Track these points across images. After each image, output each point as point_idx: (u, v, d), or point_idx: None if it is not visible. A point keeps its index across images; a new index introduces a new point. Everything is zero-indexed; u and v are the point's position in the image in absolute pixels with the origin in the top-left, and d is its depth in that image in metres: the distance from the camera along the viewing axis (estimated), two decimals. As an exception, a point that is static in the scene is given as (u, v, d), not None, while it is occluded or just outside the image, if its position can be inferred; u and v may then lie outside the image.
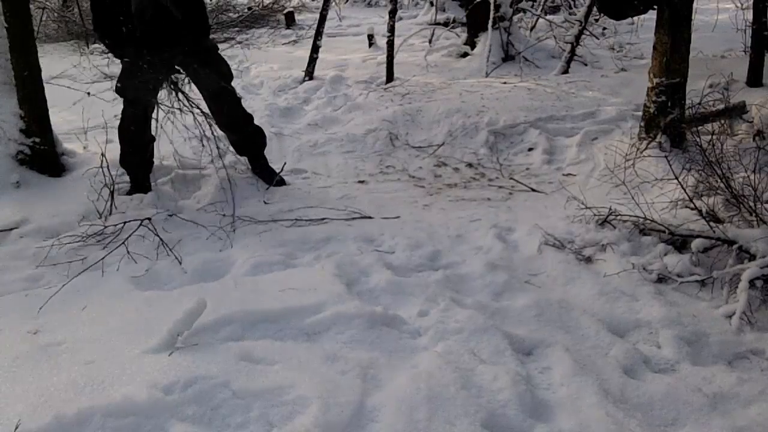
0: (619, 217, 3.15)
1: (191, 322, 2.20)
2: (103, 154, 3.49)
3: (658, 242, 3.00)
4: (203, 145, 3.58)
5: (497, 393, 2.04)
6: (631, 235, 3.07)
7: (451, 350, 2.23)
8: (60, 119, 4.36)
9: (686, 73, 3.78)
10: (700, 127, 3.71)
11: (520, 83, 5.68)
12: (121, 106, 3.69)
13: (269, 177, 3.93)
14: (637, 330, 2.49)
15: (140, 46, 3.40)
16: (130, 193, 3.69)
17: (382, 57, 6.61)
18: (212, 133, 3.59)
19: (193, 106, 3.57)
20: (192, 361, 2.06)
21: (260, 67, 7.03)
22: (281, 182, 3.96)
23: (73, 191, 3.59)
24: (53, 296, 2.61)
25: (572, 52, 6.45)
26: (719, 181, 3.02)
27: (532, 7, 8.21)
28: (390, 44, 6.20)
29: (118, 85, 3.59)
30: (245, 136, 3.93)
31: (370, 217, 3.39)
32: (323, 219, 3.36)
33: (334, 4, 9.02)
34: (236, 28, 8.58)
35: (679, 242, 2.99)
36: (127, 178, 3.83)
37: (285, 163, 4.03)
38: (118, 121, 3.73)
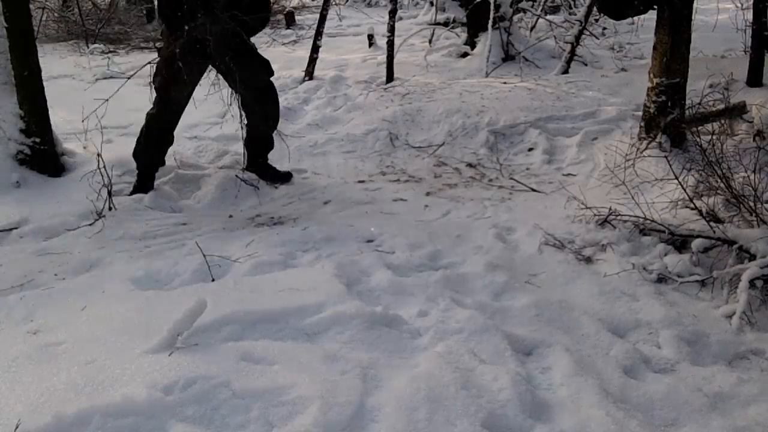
0: (619, 217, 3.15)
1: (191, 322, 2.19)
2: (99, 155, 3.49)
3: (658, 242, 3.00)
4: None
5: (497, 393, 2.04)
6: (631, 235, 3.07)
7: (451, 350, 2.22)
8: (60, 119, 4.35)
9: (686, 73, 3.78)
10: (700, 127, 3.71)
11: (520, 83, 5.68)
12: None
13: (273, 175, 3.96)
14: (637, 330, 2.49)
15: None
16: (133, 191, 3.70)
17: (382, 57, 6.61)
18: None
19: None
20: (192, 361, 2.06)
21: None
22: (287, 177, 3.97)
23: (72, 191, 3.59)
24: (53, 296, 2.61)
25: (572, 52, 6.45)
26: (719, 181, 3.02)
27: (532, 7, 8.21)
28: (390, 44, 6.19)
29: (157, 80, 3.60)
30: (271, 132, 3.96)
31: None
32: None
33: (334, 4, 9.02)
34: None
35: (679, 242, 2.99)
36: (126, 178, 3.83)
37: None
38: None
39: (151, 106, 3.73)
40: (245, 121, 3.83)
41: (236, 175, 3.85)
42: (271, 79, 3.86)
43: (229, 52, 3.48)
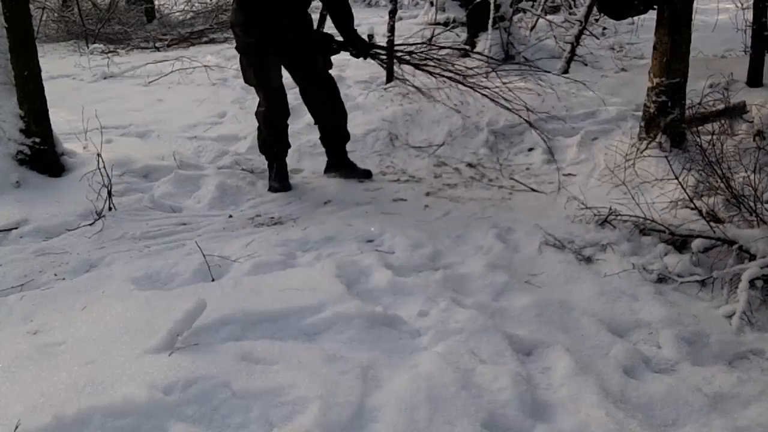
0: (619, 217, 3.15)
1: (191, 322, 2.20)
2: (99, 155, 3.49)
3: (658, 242, 3.00)
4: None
5: (497, 393, 2.04)
6: (631, 235, 3.07)
7: (451, 350, 2.22)
8: (60, 119, 4.36)
9: (686, 73, 3.78)
10: (700, 127, 3.71)
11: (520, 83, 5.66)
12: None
13: (352, 170, 4.06)
14: (637, 330, 2.49)
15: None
16: (274, 180, 3.80)
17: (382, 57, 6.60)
18: None
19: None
20: (192, 361, 2.06)
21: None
22: (368, 174, 4.05)
23: (72, 191, 3.60)
24: (53, 296, 2.61)
25: (572, 52, 6.45)
26: (719, 181, 3.02)
27: (532, 7, 8.20)
28: (390, 44, 6.19)
29: (249, 78, 3.73)
30: (340, 123, 4.01)
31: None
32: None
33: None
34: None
35: (679, 242, 2.99)
36: (125, 178, 3.82)
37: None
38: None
39: (257, 106, 3.86)
40: (313, 121, 4.02)
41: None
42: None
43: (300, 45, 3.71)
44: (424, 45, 4.21)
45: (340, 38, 3.87)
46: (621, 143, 3.95)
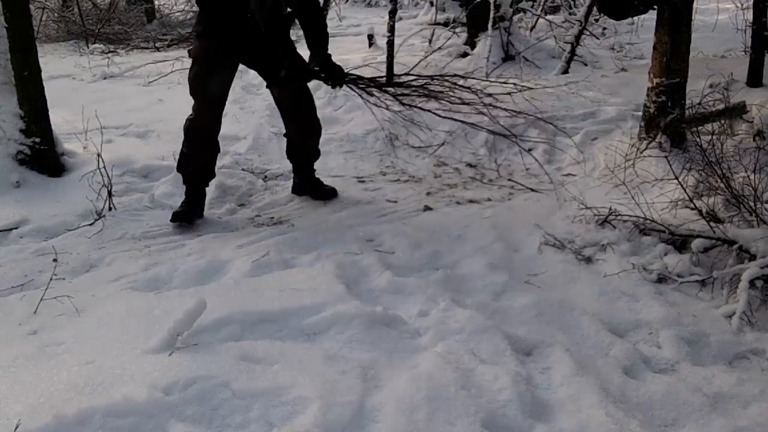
0: (619, 217, 3.15)
1: (191, 322, 2.20)
2: (99, 155, 3.49)
3: (658, 242, 3.00)
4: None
5: (497, 393, 2.04)
6: (631, 235, 3.07)
7: (451, 350, 2.22)
8: (60, 119, 4.35)
9: (686, 73, 3.78)
10: (700, 127, 3.71)
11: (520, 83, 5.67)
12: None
13: (317, 188, 3.76)
14: (637, 330, 2.49)
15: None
16: (178, 215, 3.32)
17: (382, 57, 6.60)
18: None
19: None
20: (192, 361, 2.06)
21: (260, 67, 7.01)
22: (333, 193, 3.76)
23: (72, 191, 3.59)
24: (53, 296, 2.61)
25: (572, 52, 6.46)
26: (719, 181, 3.02)
27: (532, 7, 8.21)
28: (390, 44, 6.19)
29: (191, 76, 3.30)
30: (310, 143, 3.70)
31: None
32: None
33: (334, 4, 9.03)
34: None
35: (679, 242, 2.99)
36: (126, 178, 3.81)
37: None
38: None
39: (190, 113, 3.38)
40: (284, 131, 3.66)
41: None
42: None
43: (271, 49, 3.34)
44: (413, 76, 3.71)
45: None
46: (621, 143, 3.95)
